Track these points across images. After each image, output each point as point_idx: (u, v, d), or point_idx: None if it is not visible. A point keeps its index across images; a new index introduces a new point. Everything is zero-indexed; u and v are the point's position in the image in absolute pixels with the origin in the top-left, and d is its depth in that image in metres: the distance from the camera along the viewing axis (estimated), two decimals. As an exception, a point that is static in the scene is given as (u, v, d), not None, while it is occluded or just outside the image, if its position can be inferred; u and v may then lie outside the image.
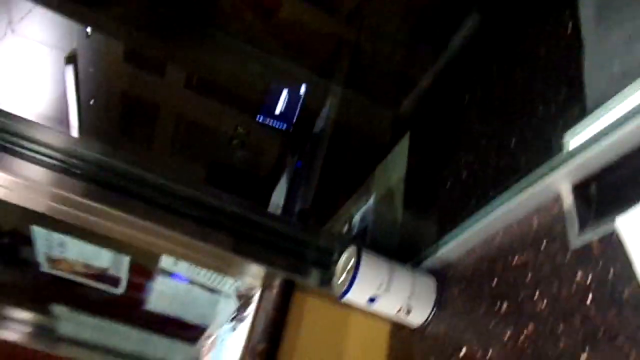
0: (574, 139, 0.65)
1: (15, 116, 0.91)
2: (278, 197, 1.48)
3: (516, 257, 0.69)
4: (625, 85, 0.59)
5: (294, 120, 1.79)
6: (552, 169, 0.64)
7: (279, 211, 1.30)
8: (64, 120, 1.70)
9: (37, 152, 0.89)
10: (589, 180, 0.62)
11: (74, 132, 1.86)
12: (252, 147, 2.02)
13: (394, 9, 1.50)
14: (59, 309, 1.54)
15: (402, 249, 0.98)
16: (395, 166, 1.23)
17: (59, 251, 1.19)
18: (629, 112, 0.56)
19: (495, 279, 0.72)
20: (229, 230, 0.91)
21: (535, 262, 0.65)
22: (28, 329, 1.66)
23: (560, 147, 0.66)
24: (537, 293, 0.62)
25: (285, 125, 1.80)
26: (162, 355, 1.73)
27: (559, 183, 0.65)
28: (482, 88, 0.97)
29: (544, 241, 0.65)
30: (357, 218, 1.28)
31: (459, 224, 0.81)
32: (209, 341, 1.34)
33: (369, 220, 1.18)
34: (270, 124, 1.79)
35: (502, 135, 0.83)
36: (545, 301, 0.61)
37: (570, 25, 0.76)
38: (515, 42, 0.92)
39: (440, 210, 0.94)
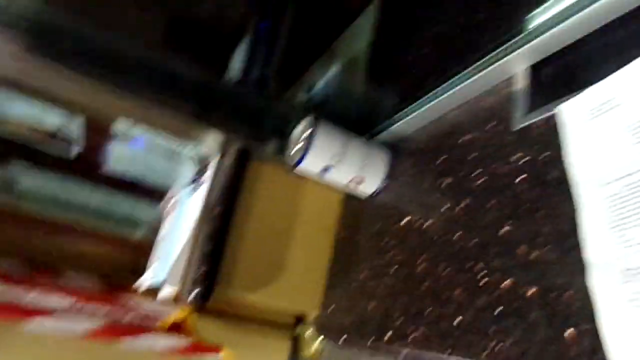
0: (536, 20, 0.63)
1: None
2: (239, 60, 1.42)
3: (464, 136, 0.72)
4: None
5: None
6: (510, 50, 0.63)
7: (238, 75, 1.25)
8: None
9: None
10: (542, 64, 0.62)
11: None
12: (216, 2, 1.86)
13: None
14: (17, 165, 1.54)
15: (360, 121, 0.99)
16: (362, 33, 1.18)
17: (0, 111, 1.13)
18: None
19: (443, 156, 0.75)
20: (186, 96, 0.88)
21: (481, 141, 0.68)
22: (-13, 185, 1.66)
23: (521, 27, 0.64)
24: (478, 171, 0.66)
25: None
26: (126, 212, 1.81)
27: (515, 64, 0.65)
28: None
29: (492, 121, 0.67)
30: (319, 85, 1.26)
31: (417, 99, 0.81)
32: (171, 202, 1.40)
33: (331, 89, 1.17)
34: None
35: (471, 9, 0.79)
36: (483, 179, 0.65)
37: None
38: None
39: (400, 83, 0.94)
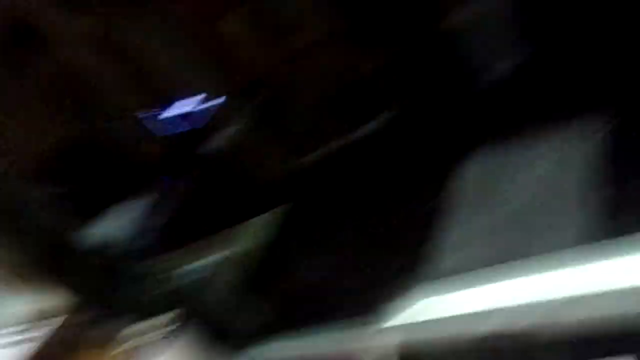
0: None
1: None
2: (123, 218, 1.33)
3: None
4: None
5: (188, 130, 1.69)
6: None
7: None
8: None
9: None
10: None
11: None
12: (136, 137, 1.83)
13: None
14: None
15: (226, 327, 0.93)
16: (254, 237, 1.18)
17: None
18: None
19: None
20: (34, 242, 0.77)
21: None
22: None
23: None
24: None
25: (179, 129, 1.71)
26: None
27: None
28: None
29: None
30: (194, 270, 1.19)
31: (278, 338, 0.79)
32: None
33: (206, 280, 1.10)
34: (167, 121, 1.68)
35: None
36: None
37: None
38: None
39: (267, 312, 0.91)
